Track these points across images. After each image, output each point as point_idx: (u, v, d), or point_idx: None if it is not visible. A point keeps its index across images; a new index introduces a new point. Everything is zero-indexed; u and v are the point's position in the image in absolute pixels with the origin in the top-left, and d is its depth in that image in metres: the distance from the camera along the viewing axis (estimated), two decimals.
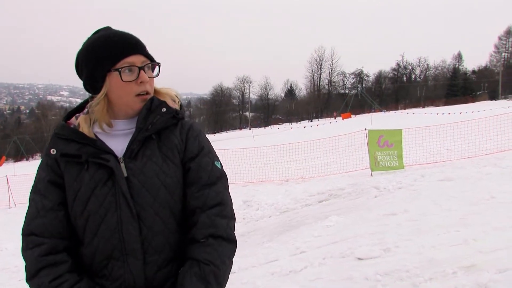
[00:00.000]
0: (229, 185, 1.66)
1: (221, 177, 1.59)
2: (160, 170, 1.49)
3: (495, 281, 3.59)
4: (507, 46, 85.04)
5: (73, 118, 1.58)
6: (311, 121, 74.30)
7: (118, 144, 1.51)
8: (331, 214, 7.16)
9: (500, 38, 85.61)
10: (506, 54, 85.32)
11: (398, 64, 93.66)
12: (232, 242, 1.53)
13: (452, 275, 3.86)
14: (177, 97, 1.66)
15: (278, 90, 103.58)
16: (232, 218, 1.57)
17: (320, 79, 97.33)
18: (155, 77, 1.59)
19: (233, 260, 1.55)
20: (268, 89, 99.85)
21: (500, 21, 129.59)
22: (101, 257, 1.46)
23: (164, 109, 1.54)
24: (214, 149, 1.68)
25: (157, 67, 1.60)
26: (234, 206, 1.63)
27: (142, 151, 1.50)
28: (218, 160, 1.63)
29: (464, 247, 4.44)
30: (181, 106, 1.66)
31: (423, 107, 72.18)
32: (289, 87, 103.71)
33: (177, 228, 1.53)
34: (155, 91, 1.61)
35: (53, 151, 1.49)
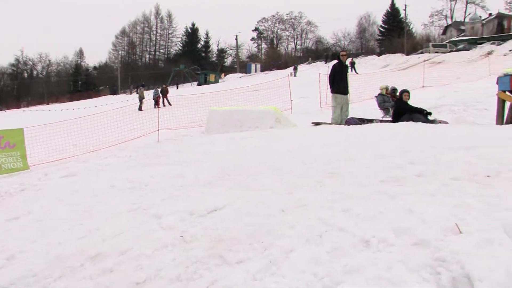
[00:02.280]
0: None
1: None
2: None
3: (118, 263, 3.95)
4: (123, 44, 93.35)
5: None
6: None
7: None
8: None
9: (117, 37, 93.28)
10: (122, 52, 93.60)
11: (17, 60, 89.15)
12: None
13: (80, 267, 3.99)
14: None
15: None
16: None
17: None
18: None
19: None
20: None
21: (117, 22, 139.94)
22: None
23: None
24: None
25: None
26: None
27: None
28: None
29: (89, 238, 4.66)
30: None
31: (48, 103, 70.85)
32: None
33: None
34: None
35: None
